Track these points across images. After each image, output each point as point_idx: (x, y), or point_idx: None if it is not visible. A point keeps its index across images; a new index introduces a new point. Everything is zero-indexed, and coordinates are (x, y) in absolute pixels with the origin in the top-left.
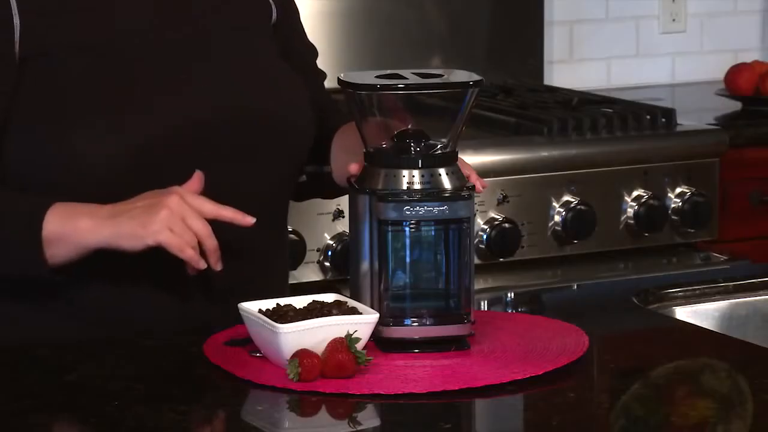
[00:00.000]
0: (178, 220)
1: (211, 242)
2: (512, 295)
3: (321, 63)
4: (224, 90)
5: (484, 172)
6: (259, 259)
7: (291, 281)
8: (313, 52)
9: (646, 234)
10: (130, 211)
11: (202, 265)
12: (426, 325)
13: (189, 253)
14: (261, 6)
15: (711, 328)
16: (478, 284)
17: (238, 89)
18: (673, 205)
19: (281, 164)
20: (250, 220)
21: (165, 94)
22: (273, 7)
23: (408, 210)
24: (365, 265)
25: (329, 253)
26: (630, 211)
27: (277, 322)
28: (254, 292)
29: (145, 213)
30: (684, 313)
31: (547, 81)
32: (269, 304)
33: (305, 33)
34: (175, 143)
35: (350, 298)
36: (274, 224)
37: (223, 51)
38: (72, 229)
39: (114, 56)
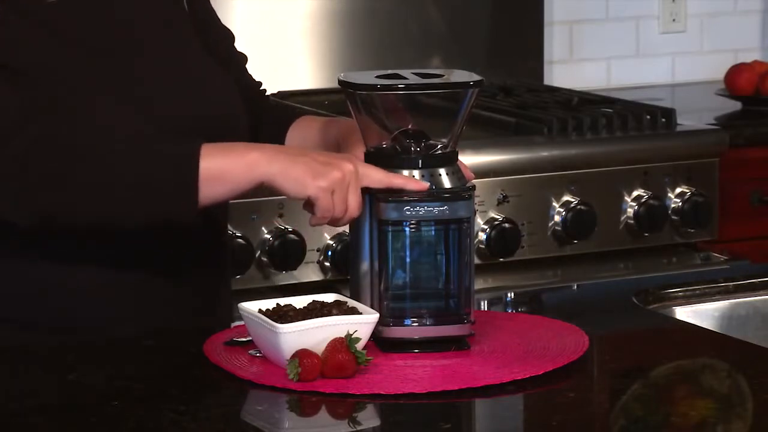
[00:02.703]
0: (344, 187)
1: (346, 223)
2: (512, 295)
3: (321, 63)
4: (167, 102)
5: (484, 172)
6: (205, 254)
7: (291, 281)
8: (230, 36)
9: (646, 234)
10: (305, 157)
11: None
12: (426, 325)
13: (325, 222)
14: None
15: (711, 328)
16: (478, 284)
17: (180, 100)
18: (673, 205)
19: None
20: (424, 185)
21: (108, 112)
22: (184, 1)
23: (408, 210)
24: (365, 265)
25: (329, 253)
26: (630, 211)
27: (277, 322)
28: (200, 279)
29: (321, 166)
30: (684, 313)
31: (547, 81)
32: (269, 304)
33: (218, 17)
34: None
35: (350, 298)
36: (216, 221)
37: (159, 59)
38: (238, 162)
39: (59, 73)
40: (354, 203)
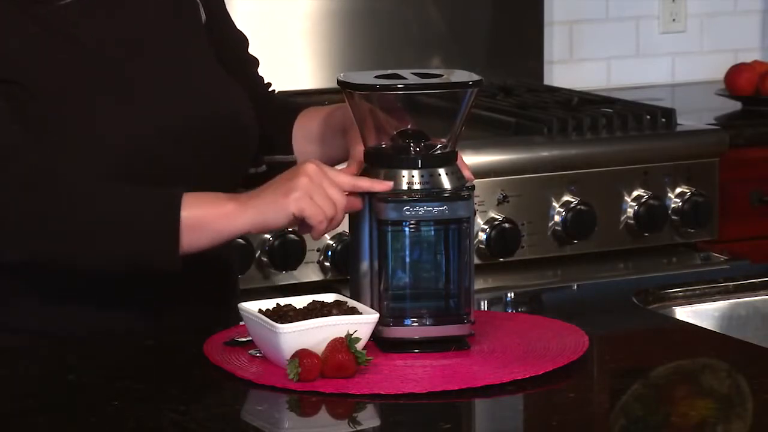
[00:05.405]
0: (318, 187)
1: (341, 217)
2: (512, 295)
3: (321, 63)
4: (168, 107)
5: (484, 172)
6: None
7: (291, 281)
8: (244, 41)
9: (646, 234)
10: (267, 188)
11: (319, 237)
12: (426, 325)
13: (324, 226)
14: (190, 7)
15: (711, 328)
16: (478, 284)
17: (182, 105)
18: (673, 205)
19: (230, 166)
20: (388, 185)
21: (108, 121)
22: (200, 6)
23: (408, 210)
24: (365, 265)
25: (329, 253)
26: (630, 211)
27: (277, 322)
28: (206, 281)
29: (285, 182)
30: (684, 313)
31: (547, 81)
32: (269, 304)
33: (233, 21)
34: (124, 171)
35: (350, 298)
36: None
37: (163, 65)
38: (216, 212)
39: (65, 82)
40: (337, 195)
